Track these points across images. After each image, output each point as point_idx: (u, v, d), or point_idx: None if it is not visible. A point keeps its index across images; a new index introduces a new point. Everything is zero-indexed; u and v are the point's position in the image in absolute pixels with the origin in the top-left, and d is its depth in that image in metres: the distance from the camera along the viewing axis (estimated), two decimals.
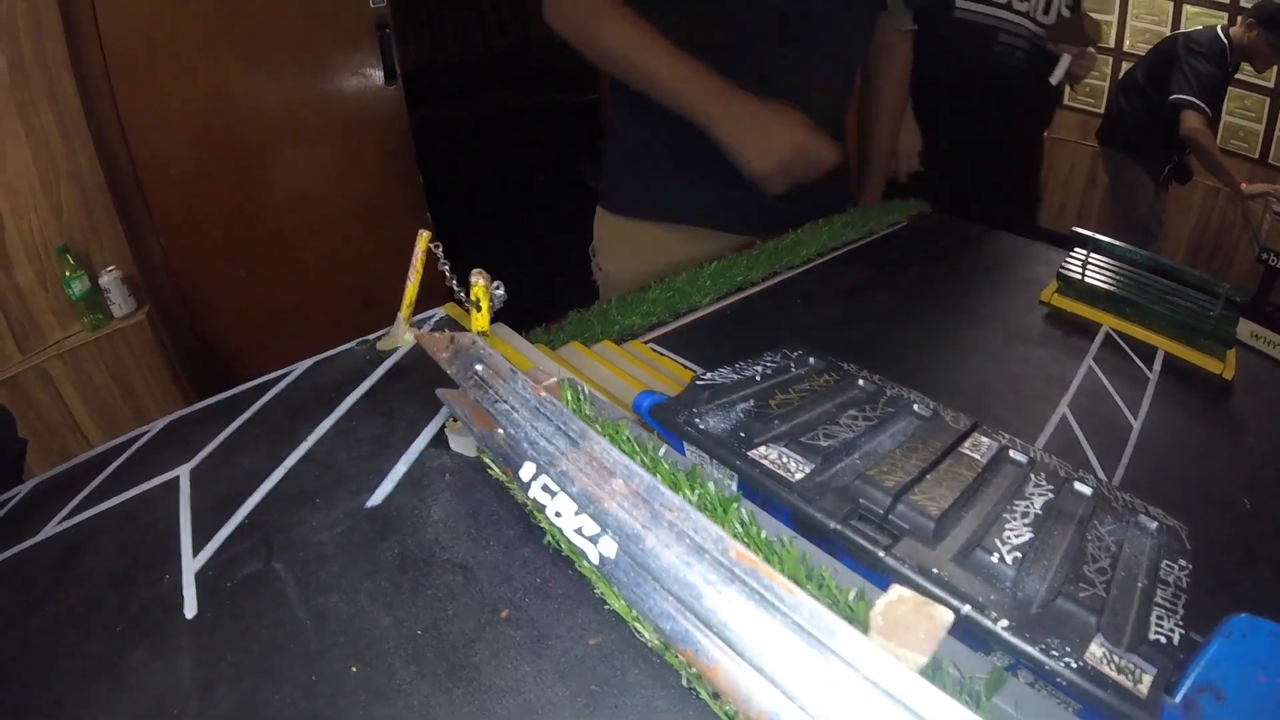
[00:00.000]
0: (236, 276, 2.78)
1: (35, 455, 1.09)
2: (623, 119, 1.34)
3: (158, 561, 0.54)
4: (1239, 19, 3.18)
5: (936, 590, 0.37)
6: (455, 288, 0.68)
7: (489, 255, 1.35)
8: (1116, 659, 0.35)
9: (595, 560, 0.36)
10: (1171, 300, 0.97)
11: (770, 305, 1.00)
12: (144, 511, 0.60)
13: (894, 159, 1.68)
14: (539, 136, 4.92)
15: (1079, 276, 1.02)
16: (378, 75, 2.84)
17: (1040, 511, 0.45)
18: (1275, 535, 0.65)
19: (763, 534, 0.42)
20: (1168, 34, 4.08)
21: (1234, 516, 0.67)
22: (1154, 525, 0.45)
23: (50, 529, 0.62)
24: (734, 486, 0.48)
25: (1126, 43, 4.26)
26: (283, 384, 0.71)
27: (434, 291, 0.76)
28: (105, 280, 2.43)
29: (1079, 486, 0.48)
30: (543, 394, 0.38)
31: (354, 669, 0.43)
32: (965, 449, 0.50)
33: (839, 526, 0.41)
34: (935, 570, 0.39)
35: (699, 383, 0.55)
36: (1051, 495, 0.47)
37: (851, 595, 0.38)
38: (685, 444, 0.50)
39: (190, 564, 0.53)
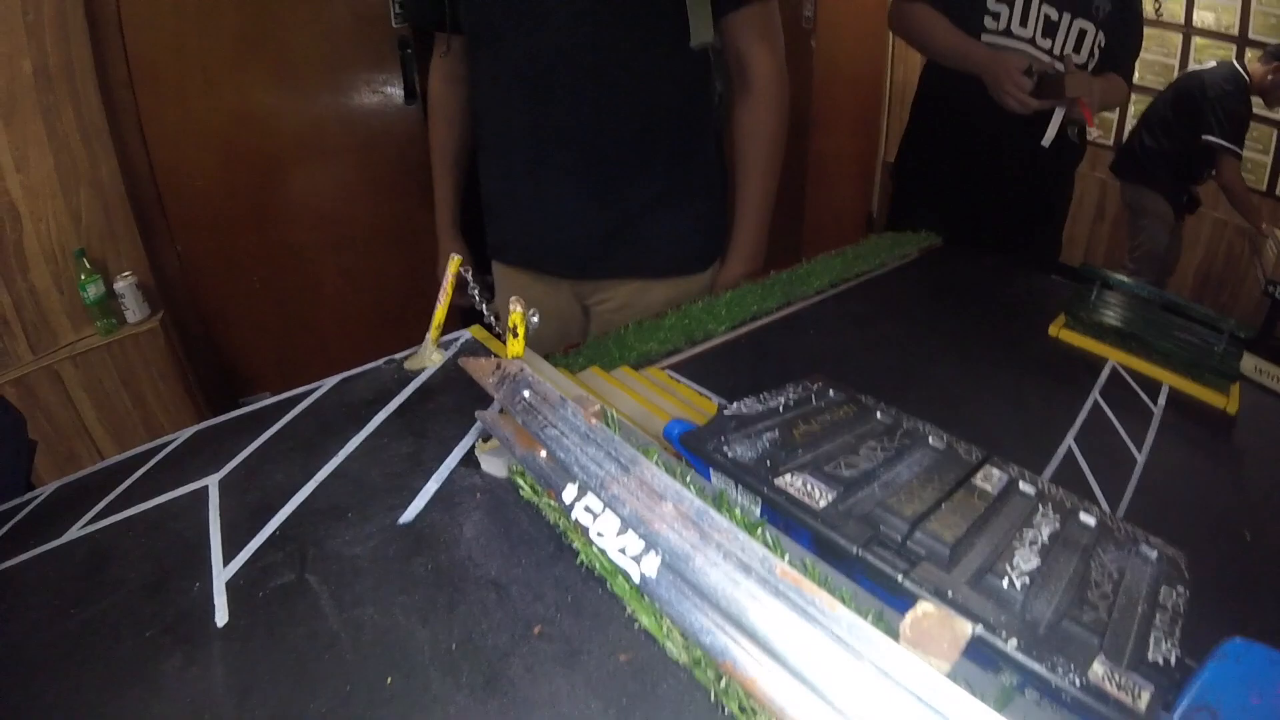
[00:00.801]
0: (251, 289, 2.81)
1: (42, 457, 1.10)
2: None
3: (187, 569, 0.56)
4: (1251, 54, 3.22)
5: (951, 612, 0.39)
6: (485, 311, 0.70)
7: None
8: (1117, 677, 0.37)
9: (636, 579, 0.38)
10: (1177, 336, 0.99)
11: (784, 335, 1.02)
12: (172, 520, 0.62)
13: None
14: None
15: (1087, 311, 1.04)
16: (398, 94, 2.86)
17: (1047, 540, 0.47)
18: (1273, 565, 0.67)
19: (786, 557, 0.44)
20: (1176, 66, 4.13)
21: (1234, 547, 0.68)
22: (1154, 554, 0.48)
23: (75, 532, 0.63)
24: (757, 511, 0.50)
25: (1136, 75, 4.29)
26: (311, 399, 0.72)
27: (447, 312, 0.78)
28: (120, 286, 2.46)
29: (1084, 517, 0.50)
30: (594, 422, 0.40)
31: (390, 680, 0.44)
32: (977, 480, 0.52)
33: (861, 551, 0.43)
34: (950, 593, 0.41)
35: (726, 413, 0.57)
36: (1058, 525, 0.49)
37: (869, 617, 0.40)
38: (712, 470, 0.52)
39: (221, 573, 0.55)
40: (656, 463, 0.44)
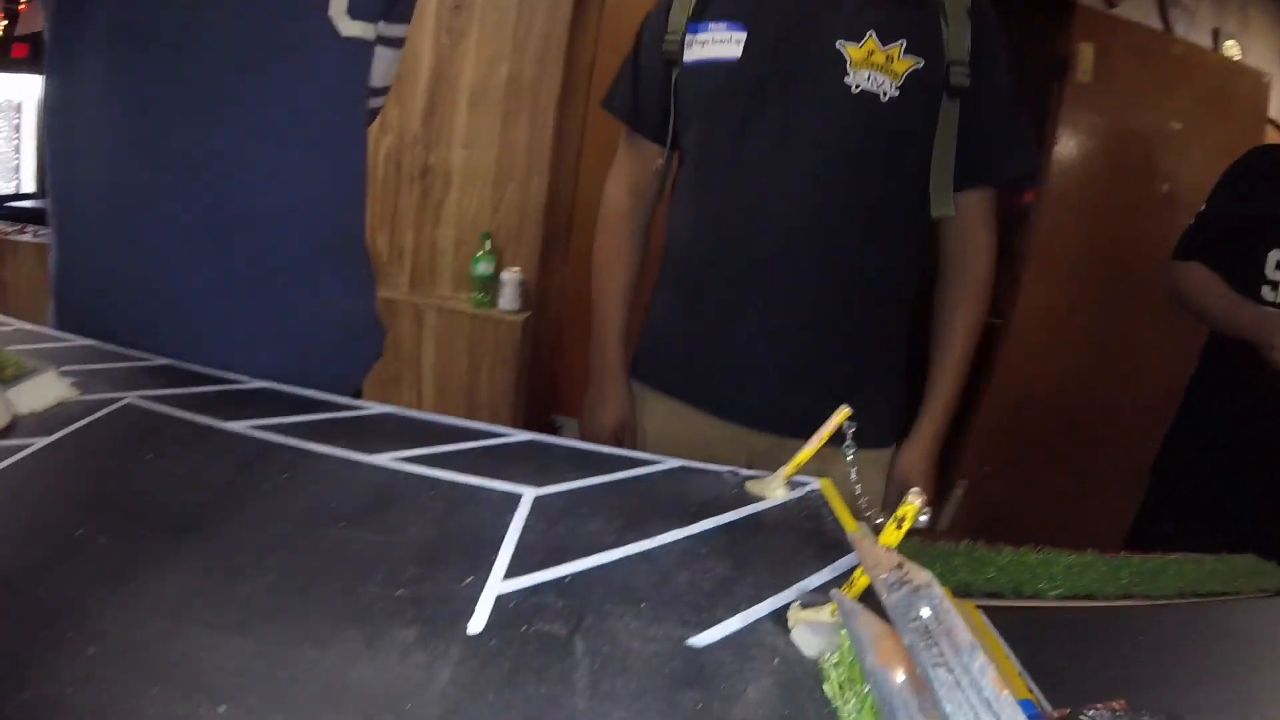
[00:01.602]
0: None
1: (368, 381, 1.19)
2: None
3: (467, 559, 0.54)
4: None
5: None
6: (855, 478, 0.64)
7: None
8: None
9: None
10: None
11: (1115, 627, 0.86)
12: (475, 505, 0.61)
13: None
14: None
15: None
16: None
17: None
18: None
19: None
20: None
21: None
22: None
23: (382, 460, 0.65)
24: None
25: None
26: (646, 469, 0.70)
27: None
28: (506, 276, 2.69)
29: None
30: (1004, 693, 0.33)
31: None
32: None
33: None
34: None
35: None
36: None
37: None
38: None
39: (496, 583, 0.52)
40: None
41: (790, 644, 0.50)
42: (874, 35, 1.11)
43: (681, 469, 0.71)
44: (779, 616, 0.53)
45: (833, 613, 0.51)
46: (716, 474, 0.70)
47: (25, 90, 4.62)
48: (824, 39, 1.12)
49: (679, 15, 1.23)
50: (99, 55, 0.91)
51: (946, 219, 1.18)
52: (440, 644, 0.46)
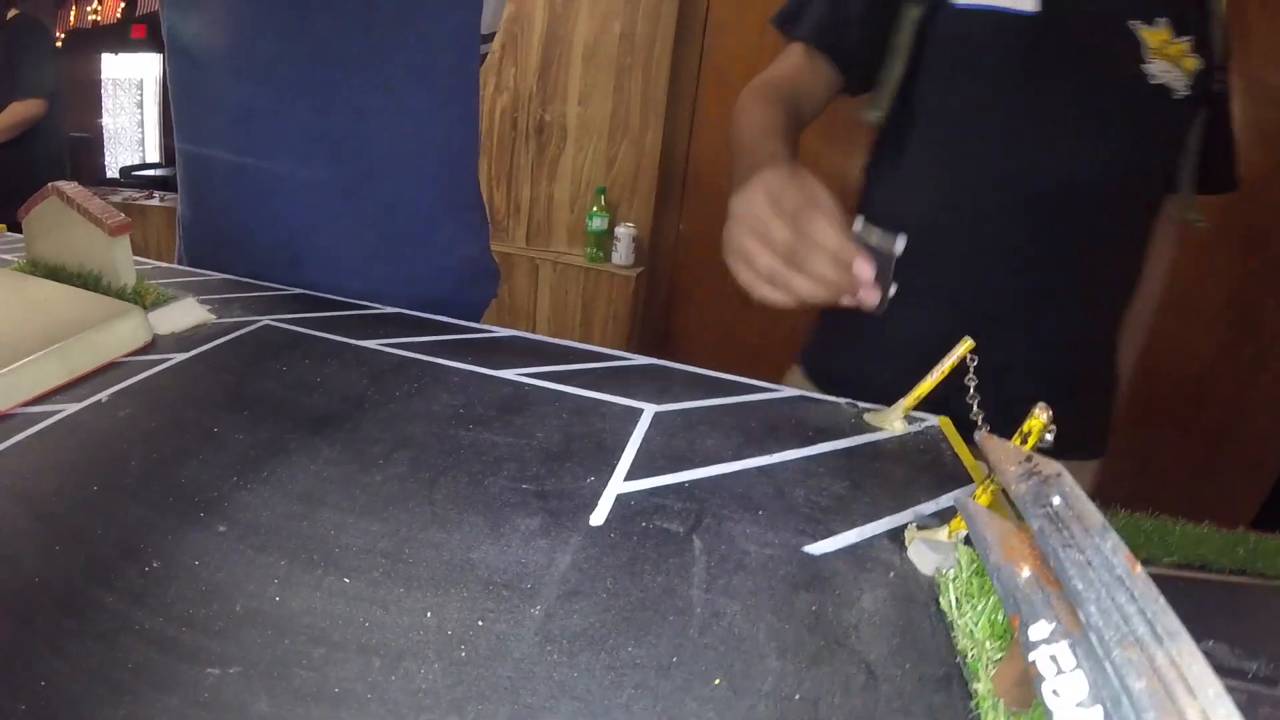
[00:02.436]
0: (724, 289, 2.97)
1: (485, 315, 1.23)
2: None
3: (589, 463, 0.57)
4: None
5: None
6: (977, 408, 0.63)
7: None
8: None
9: None
10: None
11: (1231, 602, 0.84)
12: (598, 418, 0.63)
13: None
14: None
15: None
16: None
17: None
18: None
19: None
20: None
21: None
22: None
23: (510, 375, 0.68)
24: None
25: None
26: (765, 395, 0.71)
27: None
28: (620, 231, 2.72)
29: None
30: (1138, 570, 0.33)
31: (718, 681, 0.40)
32: None
33: None
34: None
35: None
36: None
37: None
38: None
39: (618, 483, 0.54)
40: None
41: (906, 561, 0.50)
42: (1168, 23, 0.99)
43: (800, 397, 0.71)
44: (894, 536, 0.53)
45: (950, 533, 0.51)
46: (835, 404, 0.71)
47: (145, 68, 4.89)
48: (1117, 11, 0.99)
49: None
50: (222, 14, 0.95)
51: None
52: (562, 533, 0.49)
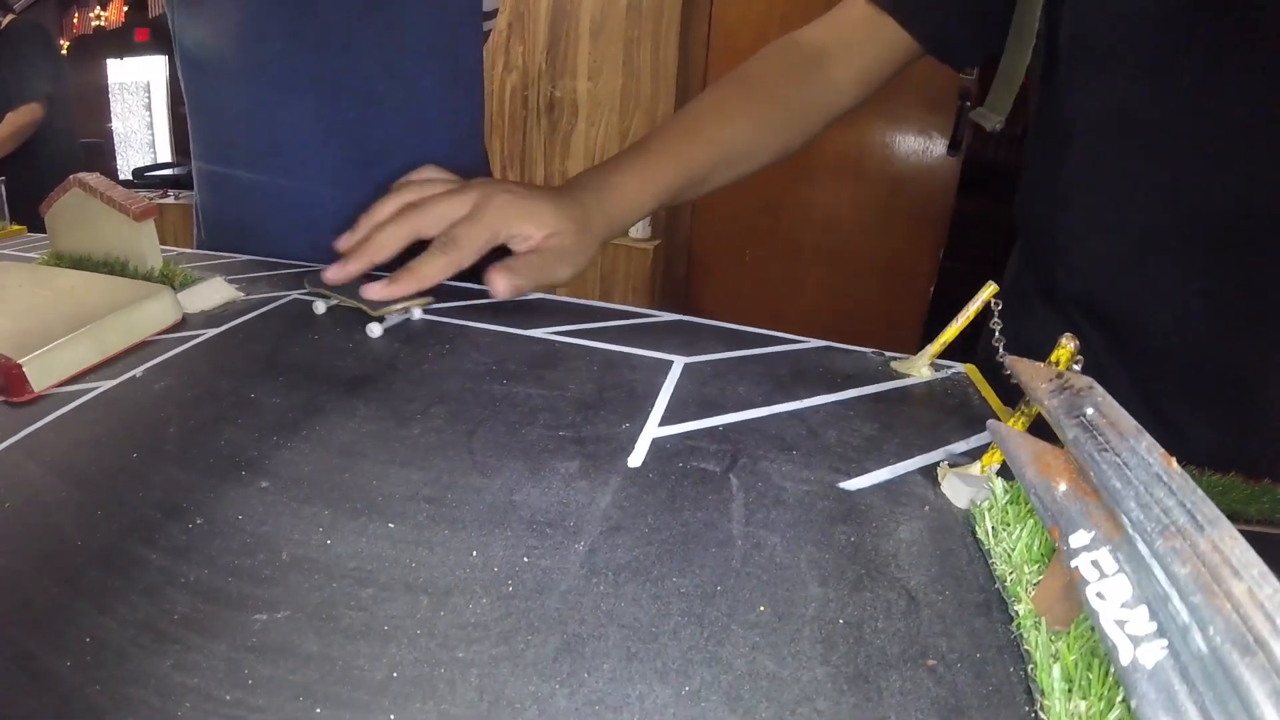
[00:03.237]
0: (740, 260, 2.97)
1: None
2: None
3: (624, 410, 0.57)
4: None
5: None
6: (1002, 350, 0.63)
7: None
8: None
9: (1125, 660, 0.30)
10: None
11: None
12: (630, 370, 0.64)
13: None
14: None
15: None
16: (941, 143, 2.88)
17: None
18: None
19: None
20: None
21: None
22: None
23: (541, 333, 0.68)
24: None
25: None
26: (793, 346, 0.71)
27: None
28: None
29: None
30: (1174, 465, 0.33)
31: (762, 609, 0.41)
32: None
33: None
34: None
35: None
36: None
37: None
38: None
39: (653, 428, 0.55)
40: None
41: (940, 495, 0.51)
42: None
43: (826, 348, 0.71)
44: (928, 473, 0.53)
45: (983, 468, 0.52)
46: (861, 353, 0.71)
47: (151, 71, 4.92)
48: None
49: None
50: (228, 12, 0.96)
51: None
52: (601, 475, 0.49)
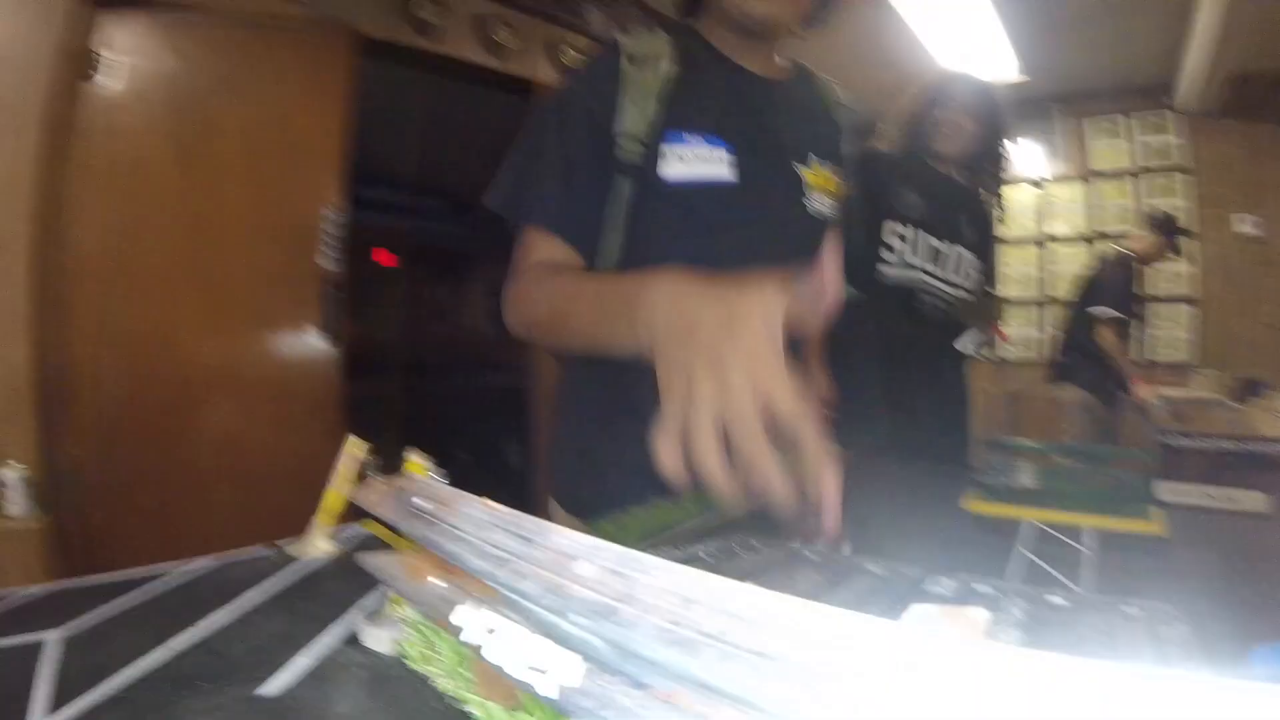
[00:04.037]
0: (146, 509, 2.64)
1: None
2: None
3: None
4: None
5: None
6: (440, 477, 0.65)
7: None
8: None
9: (553, 693, 0.32)
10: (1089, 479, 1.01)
11: None
12: None
13: None
14: (466, 418, 5.20)
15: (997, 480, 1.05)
16: (318, 337, 2.88)
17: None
18: None
19: None
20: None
21: None
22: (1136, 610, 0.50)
23: None
24: None
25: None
26: (182, 573, 0.66)
27: None
28: (6, 474, 2.25)
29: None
30: (490, 505, 0.36)
31: None
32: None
33: None
34: None
35: None
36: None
37: None
38: None
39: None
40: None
41: (367, 651, 0.51)
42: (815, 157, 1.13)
43: (221, 564, 0.67)
44: (349, 639, 0.53)
45: (394, 606, 0.52)
46: (256, 556, 0.68)
47: None
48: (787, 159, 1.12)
49: (636, 120, 1.01)
50: None
51: None
52: None
